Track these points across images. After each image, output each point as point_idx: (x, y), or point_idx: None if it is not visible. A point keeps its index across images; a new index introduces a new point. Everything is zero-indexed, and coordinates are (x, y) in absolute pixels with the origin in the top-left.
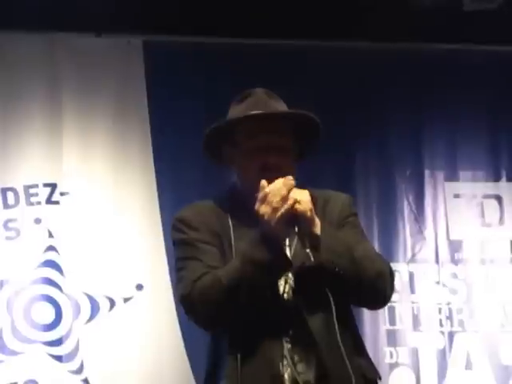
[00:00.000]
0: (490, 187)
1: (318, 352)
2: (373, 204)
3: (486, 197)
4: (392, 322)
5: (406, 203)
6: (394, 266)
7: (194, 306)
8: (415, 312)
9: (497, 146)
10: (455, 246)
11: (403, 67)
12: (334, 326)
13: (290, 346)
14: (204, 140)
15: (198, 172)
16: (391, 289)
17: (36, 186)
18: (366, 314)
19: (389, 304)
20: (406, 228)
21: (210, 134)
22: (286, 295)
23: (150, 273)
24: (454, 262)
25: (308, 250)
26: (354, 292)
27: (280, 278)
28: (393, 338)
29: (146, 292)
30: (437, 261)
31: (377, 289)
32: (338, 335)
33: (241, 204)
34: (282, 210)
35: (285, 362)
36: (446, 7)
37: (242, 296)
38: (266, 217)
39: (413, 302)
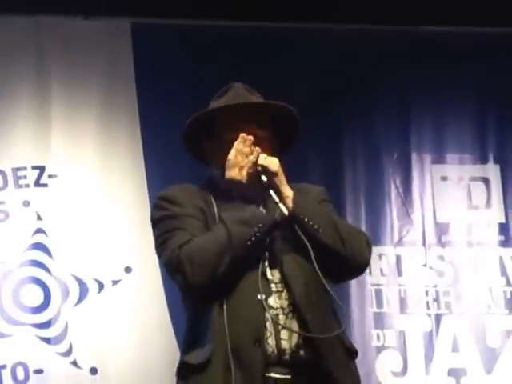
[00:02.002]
0: (477, 170)
1: (300, 316)
2: (360, 187)
3: (473, 179)
4: (379, 304)
5: (393, 186)
6: (381, 249)
7: (181, 265)
8: (402, 295)
9: (484, 129)
10: (442, 229)
11: (390, 50)
12: (317, 289)
13: (272, 310)
14: (184, 132)
15: (187, 157)
16: (369, 253)
17: (24, 168)
18: (353, 296)
19: (376, 287)
20: (393, 211)
21: (190, 127)
22: (266, 261)
23: (138, 255)
24: (441, 244)
25: (280, 204)
26: (334, 253)
27: (261, 237)
28: (380, 321)
29: (134, 275)
30: (424, 243)
31: (360, 249)
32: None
33: (222, 193)
34: (248, 163)
35: (267, 326)
36: None
37: (226, 256)
38: (236, 178)
39: (400, 285)
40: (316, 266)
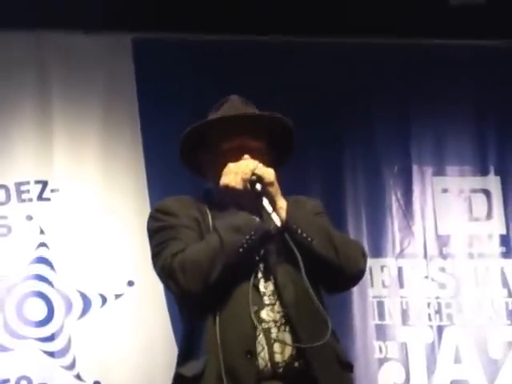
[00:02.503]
0: (477, 181)
1: (292, 328)
2: (361, 199)
3: (474, 191)
4: (381, 316)
5: (394, 198)
6: (382, 261)
7: (174, 272)
8: (404, 307)
9: (484, 141)
10: (443, 241)
11: (390, 62)
12: (308, 302)
13: (264, 323)
14: (181, 145)
15: (189, 171)
16: (365, 263)
17: (27, 182)
18: (355, 308)
19: (377, 299)
20: (395, 223)
21: (187, 140)
22: (260, 273)
23: (140, 269)
24: (443, 256)
25: (273, 214)
26: (328, 264)
27: (256, 245)
28: (382, 333)
29: (137, 288)
30: (425, 255)
31: (355, 259)
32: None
33: (217, 204)
34: (244, 174)
35: (260, 340)
36: (433, 1)
37: (219, 263)
38: (230, 184)
39: (402, 297)
40: (305, 276)
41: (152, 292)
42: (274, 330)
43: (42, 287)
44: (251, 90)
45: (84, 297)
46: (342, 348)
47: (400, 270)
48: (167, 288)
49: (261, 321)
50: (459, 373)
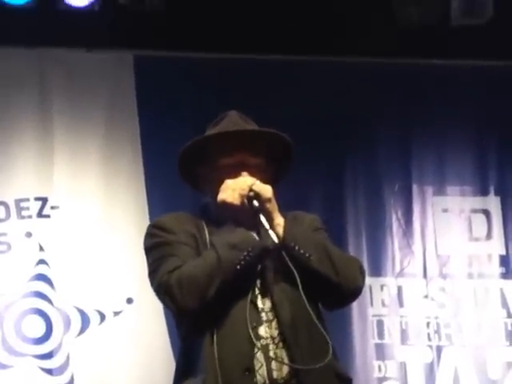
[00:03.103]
0: (477, 202)
1: (290, 347)
2: (361, 219)
3: (474, 211)
4: (380, 335)
5: (394, 217)
6: (382, 280)
7: (171, 289)
8: (403, 326)
9: (484, 161)
10: (443, 261)
11: (391, 82)
12: (305, 319)
13: (262, 340)
14: (179, 160)
15: (189, 188)
16: (363, 280)
17: (27, 199)
18: (355, 327)
19: (377, 318)
20: (395, 242)
21: (185, 155)
22: (257, 289)
23: (139, 286)
24: (442, 276)
25: (270, 230)
26: (326, 280)
27: (252, 262)
28: (381, 352)
29: (135, 306)
30: (425, 275)
31: (353, 275)
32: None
33: (214, 219)
34: (242, 191)
35: (258, 356)
36: (434, 23)
37: (216, 280)
38: (227, 200)
39: (401, 316)
40: (302, 293)
41: (151, 309)
42: (271, 347)
43: (41, 304)
44: (251, 109)
45: (82, 314)
46: (339, 362)
47: (400, 289)
48: (164, 304)
49: (259, 337)
50: None
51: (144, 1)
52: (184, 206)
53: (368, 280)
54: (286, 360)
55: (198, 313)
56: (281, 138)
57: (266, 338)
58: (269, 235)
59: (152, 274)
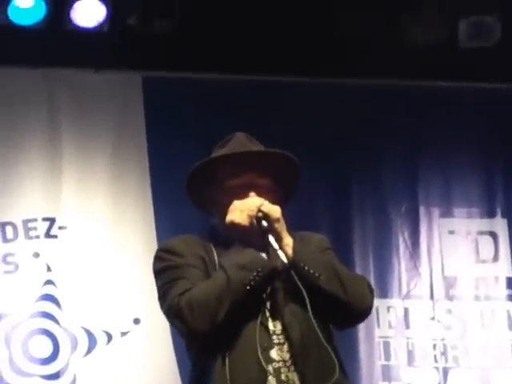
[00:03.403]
0: (484, 224)
1: (301, 370)
2: (368, 240)
3: (481, 233)
4: (387, 357)
5: (401, 239)
6: (389, 301)
7: (181, 311)
8: (410, 348)
9: (491, 183)
10: (450, 282)
11: (398, 104)
12: (315, 341)
13: (274, 363)
14: (187, 180)
15: (197, 208)
16: (372, 299)
17: (35, 220)
18: (361, 348)
19: (384, 339)
20: (401, 264)
21: (193, 176)
22: (267, 311)
23: (146, 307)
24: (449, 298)
25: (279, 251)
26: (336, 300)
27: (261, 282)
28: (387, 374)
29: (142, 326)
30: (431, 297)
31: (362, 294)
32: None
33: (223, 241)
34: (250, 211)
35: (270, 380)
36: (442, 44)
37: (226, 301)
38: (236, 220)
39: (408, 338)
40: (311, 315)
41: (158, 330)
42: (283, 370)
43: (48, 325)
44: (258, 129)
45: (89, 334)
46: (348, 381)
47: (406, 310)
48: (174, 327)
49: (271, 360)
50: None
51: (152, 22)
52: (191, 225)
53: (375, 301)
54: (297, 383)
55: (208, 335)
56: (288, 159)
57: (278, 362)
58: (278, 255)
59: (162, 297)
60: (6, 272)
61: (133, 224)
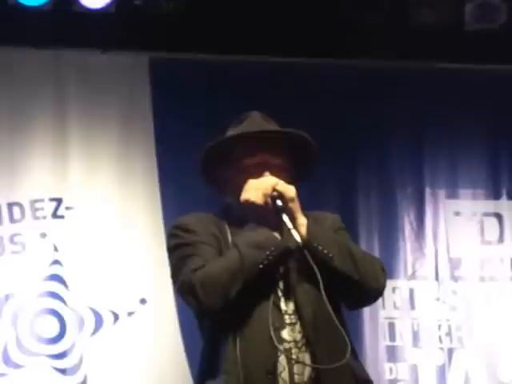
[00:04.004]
0: (490, 205)
1: (312, 350)
2: (374, 221)
3: (486, 215)
4: (392, 338)
5: (406, 221)
6: (394, 282)
7: (194, 288)
8: (415, 328)
9: (497, 165)
10: (455, 264)
11: (404, 85)
12: (328, 321)
13: (285, 343)
14: (201, 159)
15: (203, 187)
16: (384, 279)
17: (42, 200)
18: (366, 329)
19: (389, 320)
20: (407, 245)
21: (208, 154)
22: (280, 291)
23: (153, 287)
24: (454, 279)
25: (293, 230)
26: (349, 280)
27: (275, 262)
28: (393, 354)
29: (149, 306)
30: (437, 278)
31: (375, 274)
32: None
33: (237, 220)
34: (265, 190)
35: (281, 360)
36: (448, 26)
37: (238, 279)
38: (250, 199)
39: (413, 319)
40: (324, 295)
41: (164, 310)
42: (294, 351)
43: (55, 305)
44: (265, 110)
45: (96, 314)
46: (360, 365)
47: (411, 291)
48: (187, 304)
49: (282, 341)
50: None
51: (160, 3)
52: (197, 204)
53: None
54: (308, 363)
55: (220, 313)
56: (304, 139)
57: (290, 342)
58: (292, 235)
59: (175, 274)
60: (14, 252)
61: (139, 204)
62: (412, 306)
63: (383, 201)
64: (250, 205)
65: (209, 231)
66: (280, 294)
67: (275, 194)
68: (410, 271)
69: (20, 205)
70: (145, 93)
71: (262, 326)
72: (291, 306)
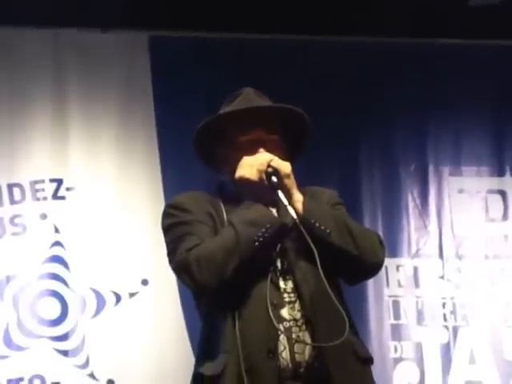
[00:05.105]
0: (494, 182)
1: (312, 328)
2: (377, 199)
3: (490, 192)
4: (396, 316)
5: (410, 198)
6: (398, 260)
7: (189, 266)
8: (419, 306)
9: (501, 141)
10: (459, 241)
11: (407, 62)
12: (327, 298)
13: (285, 322)
14: (194, 138)
15: (204, 167)
16: (383, 253)
17: (42, 181)
18: (371, 308)
19: (393, 298)
20: (411, 223)
21: (200, 133)
22: (278, 270)
23: (155, 268)
24: (458, 256)
25: (289, 206)
26: (347, 255)
27: (271, 238)
28: (397, 333)
29: (151, 287)
30: (441, 256)
31: (373, 249)
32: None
33: (232, 198)
34: (260, 166)
35: (281, 339)
36: (451, 2)
37: (234, 257)
38: (245, 176)
39: (417, 297)
40: (321, 272)
41: (166, 291)
42: (294, 330)
43: (56, 286)
44: (265, 89)
45: (98, 295)
46: (360, 342)
47: (416, 269)
48: (183, 282)
49: (282, 319)
50: (474, 373)
51: None
52: (199, 185)
53: (384, 260)
54: (309, 342)
55: (217, 291)
56: (297, 114)
57: (289, 321)
58: (288, 211)
59: (170, 253)
60: (14, 234)
61: (140, 184)
62: (416, 284)
63: (386, 178)
64: (245, 181)
65: (204, 210)
66: (278, 272)
67: (270, 170)
68: (413, 249)
69: (20, 186)
70: (145, 71)
71: (260, 305)
72: (290, 284)
